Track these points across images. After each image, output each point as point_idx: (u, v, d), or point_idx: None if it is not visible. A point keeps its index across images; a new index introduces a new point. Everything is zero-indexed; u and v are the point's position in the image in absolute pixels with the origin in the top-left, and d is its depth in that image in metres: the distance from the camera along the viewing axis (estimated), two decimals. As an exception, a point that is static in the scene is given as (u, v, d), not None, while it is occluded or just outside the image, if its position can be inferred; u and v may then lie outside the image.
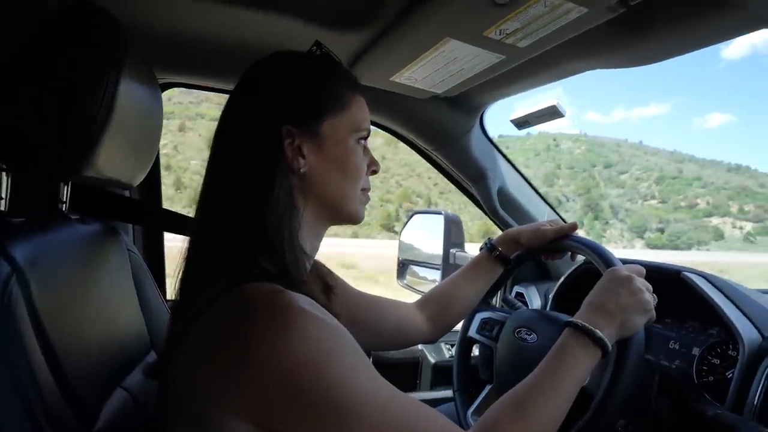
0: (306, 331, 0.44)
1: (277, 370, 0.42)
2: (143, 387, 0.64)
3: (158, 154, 1.07)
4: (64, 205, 0.68)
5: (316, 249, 0.64)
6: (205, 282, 0.50)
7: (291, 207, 0.55)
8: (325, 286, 0.73)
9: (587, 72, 0.86)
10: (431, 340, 0.88)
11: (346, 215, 0.62)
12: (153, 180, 1.06)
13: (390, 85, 0.91)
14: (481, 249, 0.90)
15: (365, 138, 0.62)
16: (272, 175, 0.54)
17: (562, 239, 0.82)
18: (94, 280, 0.65)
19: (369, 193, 0.65)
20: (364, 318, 0.79)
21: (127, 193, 1.02)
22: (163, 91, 1.03)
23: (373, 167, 0.64)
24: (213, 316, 0.47)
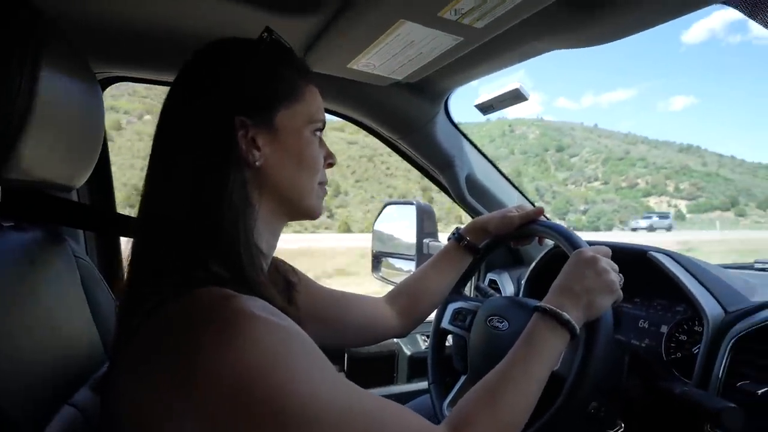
0: (258, 337, 0.41)
1: (228, 380, 0.39)
2: (96, 402, 0.60)
3: (107, 154, 1.02)
4: (-5, 211, 0.63)
5: (273, 248, 0.60)
6: (151, 288, 0.47)
7: (246, 203, 0.52)
8: (287, 284, 0.71)
9: (558, 58, 0.85)
10: (401, 334, 0.87)
11: (304, 210, 0.59)
12: (103, 181, 1.00)
13: (348, 73, 0.87)
14: (449, 239, 0.88)
15: (321, 129, 0.59)
16: (225, 169, 0.50)
17: (529, 224, 0.82)
18: (32, 290, 0.61)
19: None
20: (330, 315, 0.76)
21: (75, 196, 0.96)
22: (106, 86, 0.97)
23: (329, 160, 0.61)
24: (158, 324, 0.43)
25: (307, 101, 0.57)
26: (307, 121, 0.57)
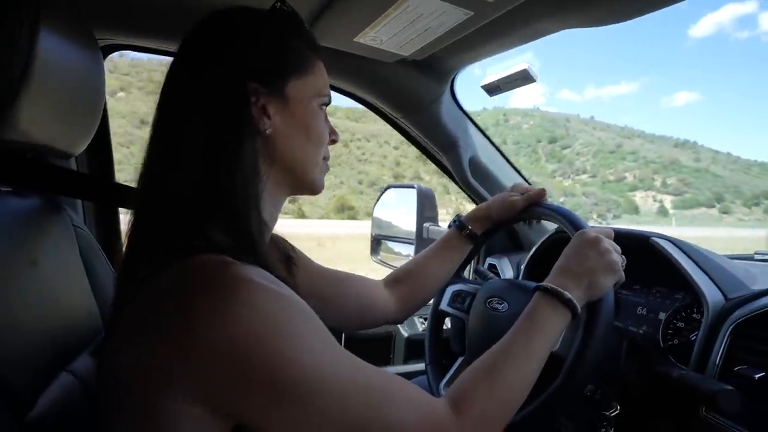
0: (257, 303, 0.40)
1: (225, 346, 0.39)
2: (93, 370, 0.60)
3: (107, 122, 1.00)
4: (-6, 176, 0.62)
5: (274, 220, 0.60)
6: (152, 256, 0.46)
7: (255, 172, 0.51)
8: (286, 259, 0.70)
9: (562, 48, 0.84)
10: (398, 320, 0.86)
11: (309, 183, 0.59)
12: (102, 150, 0.99)
13: (354, 47, 0.85)
14: (449, 226, 0.88)
15: (327, 104, 0.59)
16: (240, 135, 0.50)
17: (532, 206, 0.81)
18: (30, 258, 0.60)
19: None
20: (328, 294, 0.76)
21: (73, 164, 0.95)
22: (108, 54, 0.95)
23: (332, 136, 0.61)
24: (155, 290, 0.43)
25: (316, 74, 0.57)
26: (315, 93, 0.57)
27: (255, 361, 0.39)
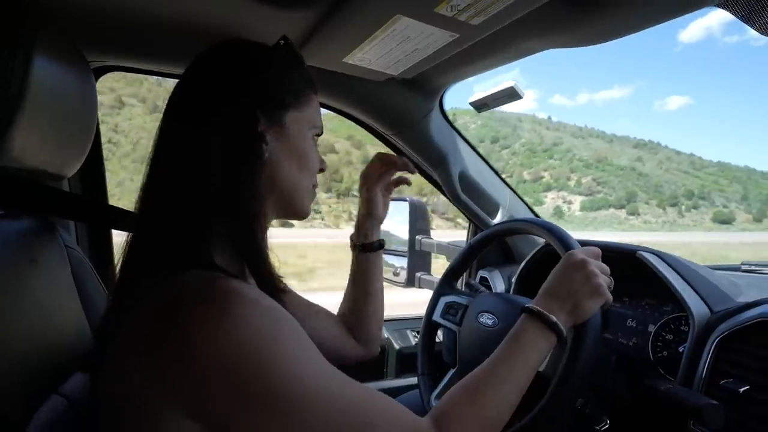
0: (245, 319, 0.42)
1: (215, 361, 0.40)
2: (85, 391, 0.60)
3: (100, 143, 1.01)
4: (-15, 199, 0.62)
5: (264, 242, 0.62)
6: (147, 274, 0.48)
7: (259, 193, 0.55)
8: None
9: (555, 54, 0.84)
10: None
11: (298, 208, 0.62)
12: (95, 171, 1.00)
13: (343, 67, 0.87)
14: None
15: (319, 135, 0.63)
16: (253, 161, 0.54)
17: (523, 222, 0.83)
18: (20, 280, 0.60)
19: None
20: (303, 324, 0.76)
21: (66, 185, 0.95)
22: (100, 75, 0.96)
23: (321, 165, 0.65)
24: (148, 308, 0.44)
25: (311, 107, 0.61)
26: (310, 124, 0.61)
27: (244, 377, 0.40)
